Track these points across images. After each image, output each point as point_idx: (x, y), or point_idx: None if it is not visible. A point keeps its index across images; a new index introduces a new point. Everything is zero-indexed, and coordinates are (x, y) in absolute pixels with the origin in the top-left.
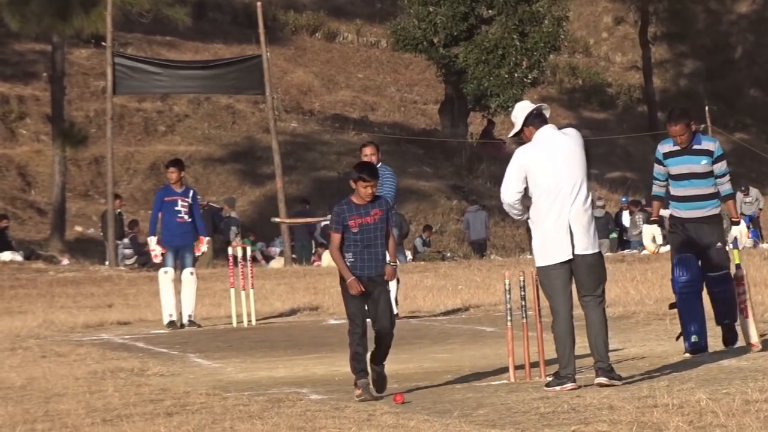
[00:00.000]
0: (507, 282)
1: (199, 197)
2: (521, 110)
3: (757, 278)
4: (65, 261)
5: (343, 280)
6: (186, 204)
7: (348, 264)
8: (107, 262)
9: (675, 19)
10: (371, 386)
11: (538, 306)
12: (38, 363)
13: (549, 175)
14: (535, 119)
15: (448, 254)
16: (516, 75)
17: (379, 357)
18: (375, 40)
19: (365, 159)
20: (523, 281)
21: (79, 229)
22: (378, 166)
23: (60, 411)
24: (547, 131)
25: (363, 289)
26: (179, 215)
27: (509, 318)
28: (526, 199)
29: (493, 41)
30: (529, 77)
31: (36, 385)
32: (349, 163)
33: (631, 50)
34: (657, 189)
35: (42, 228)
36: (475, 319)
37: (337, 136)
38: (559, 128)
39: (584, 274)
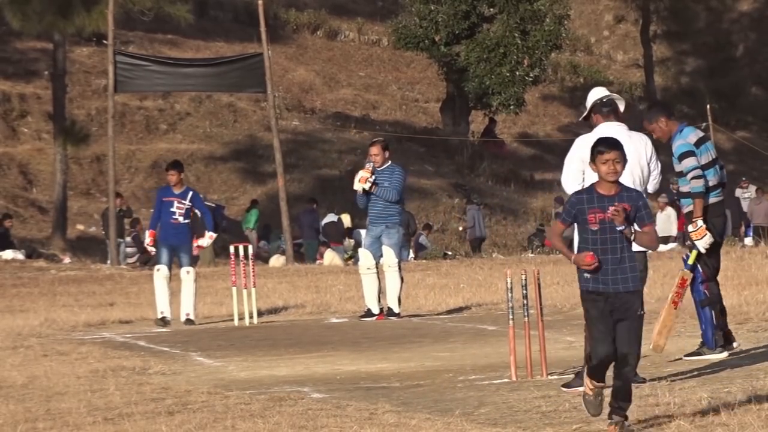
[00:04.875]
0: (509, 280)
1: (201, 195)
2: (592, 95)
3: (759, 276)
4: (67, 259)
5: (586, 301)
6: (182, 206)
7: (585, 276)
8: (109, 261)
9: (676, 17)
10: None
11: (540, 304)
12: (40, 362)
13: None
14: (603, 108)
15: (450, 252)
16: (517, 73)
17: (620, 393)
18: (376, 39)
19: (372, 158)
20: (525, 280)
21: (80, 227)
22: (387, 165)
23: (61, 410)
24: (612, 127)
25: (597, 262)
26: (173, 216)
27: (511, 316)
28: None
29: (494, 39)
30: (531, 75)
31: (37, 383)
32: (350, 161)
33: (633, 48)
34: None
35: (43, 226)
36: (477, 318)
37: (338, 134)
38: (631, 129)
39: None
